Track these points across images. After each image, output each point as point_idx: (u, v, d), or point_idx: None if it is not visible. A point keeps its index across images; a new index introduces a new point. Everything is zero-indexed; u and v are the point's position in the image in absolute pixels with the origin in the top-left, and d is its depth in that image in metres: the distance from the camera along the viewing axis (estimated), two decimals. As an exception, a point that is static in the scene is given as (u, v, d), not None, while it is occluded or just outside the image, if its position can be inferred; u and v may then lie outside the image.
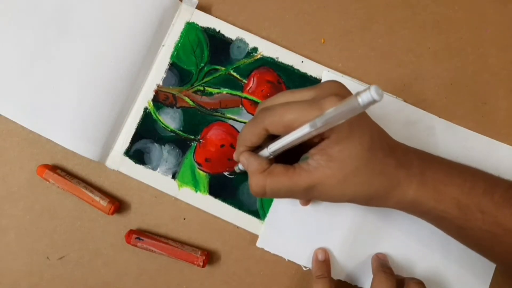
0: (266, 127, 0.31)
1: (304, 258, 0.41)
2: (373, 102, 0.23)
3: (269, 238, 0.41)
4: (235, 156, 0.35)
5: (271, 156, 0.33)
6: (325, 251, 0.41)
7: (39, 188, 0.42)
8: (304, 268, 0.41)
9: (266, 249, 0.41)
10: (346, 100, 0.24)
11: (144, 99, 0.43)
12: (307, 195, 0.32)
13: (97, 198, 0.41)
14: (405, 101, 0.42)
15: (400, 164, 0.32)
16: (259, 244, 0.41)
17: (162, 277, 0.42)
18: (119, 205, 0.42)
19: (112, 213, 0.41)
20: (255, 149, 0.34)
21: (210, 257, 0.42)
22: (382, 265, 0.39)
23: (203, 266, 0.40)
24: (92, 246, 0.42)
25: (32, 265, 0.42)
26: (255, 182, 0.32)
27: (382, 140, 0.33)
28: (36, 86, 0.42)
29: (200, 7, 0.43)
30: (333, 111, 0.26)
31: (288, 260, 0.41)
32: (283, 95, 0.33)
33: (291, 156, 0.34)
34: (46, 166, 0.42)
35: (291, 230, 0.41)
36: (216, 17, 0.43)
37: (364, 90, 0.23)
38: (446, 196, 0.32)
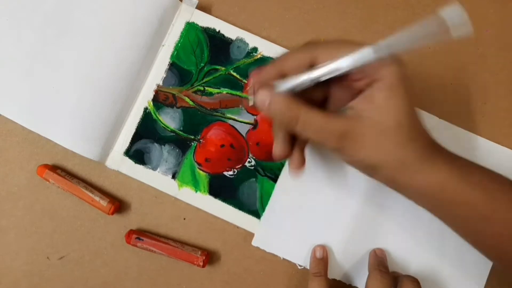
0: (317, 56, 0.29)
1: (299, 257, 0.41)
2: (460, 25, 0.19)
3: (264, 236, 0.41)
4: (258, 77, 0.32)
5: (312, 84, 0.29)
6: (323, 249, 0.40)
7: (39, 188, 0.42)
8: (299, 267, 0.41)
9: (261, 247, 0.41)
10: (423, 21, 0.21)
11: (144, 99, 0.43)
12: (338, 143, 0.30)
13: (97, 198, 0.41)
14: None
15: (433, 142, 0.32)
16: (254, 242, 0.41)
17: (162, 277, 0.42)
18: (119, 205, 0.42)
19: (112, 213, 0.41)
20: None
21: (210, 257, 0.42)
22: (379, 263, 0.39)
23: (203, 266, 0.40)
24: (92, 246, 0.42)
25: (32, 265, 0.42)
26: (286, 110, 0.30)
27: (418, 116, 0.31)
28: (36, 86, 0.42)
29: (200, 7, 0.43)
30: (405, 33, 0.22)
31: (283, 258, 0.41)
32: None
33: None
34: (46, 166, 0.42)
35: (287, 228, 0.41)
36: (216, 17, 0.43)
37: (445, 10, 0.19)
38: (475, 178, 0.31)
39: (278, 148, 0.34)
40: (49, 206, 0.42)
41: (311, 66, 0.30)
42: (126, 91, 0.42)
